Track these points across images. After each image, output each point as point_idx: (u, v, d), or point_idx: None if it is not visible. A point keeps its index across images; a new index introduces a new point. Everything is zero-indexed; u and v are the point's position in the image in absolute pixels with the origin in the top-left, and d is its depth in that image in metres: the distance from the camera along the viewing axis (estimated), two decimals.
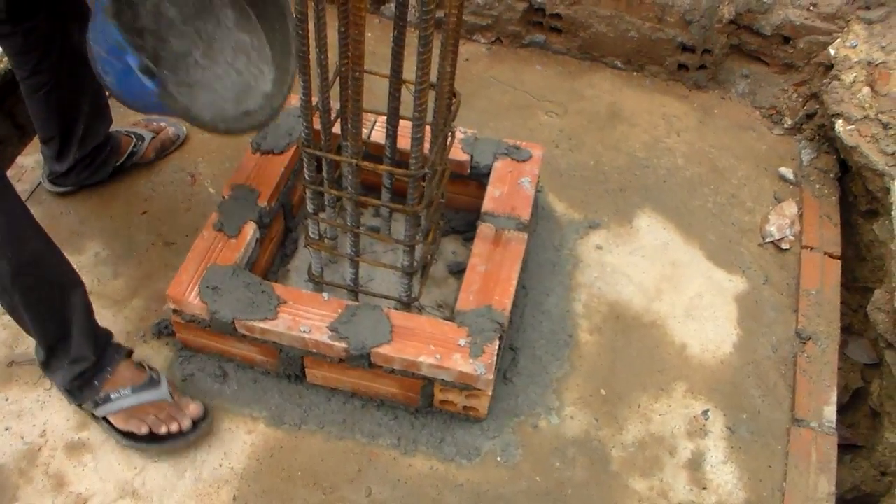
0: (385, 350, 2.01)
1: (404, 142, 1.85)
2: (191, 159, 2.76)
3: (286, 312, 2.07)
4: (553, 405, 2.27)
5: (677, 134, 3.01)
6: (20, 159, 2.70)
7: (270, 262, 2.42)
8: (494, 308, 2.10)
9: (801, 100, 3.04)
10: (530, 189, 2.38)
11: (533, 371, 2.32)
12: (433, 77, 1.71)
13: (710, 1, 2.90)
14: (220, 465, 2.11)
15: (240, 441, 2.15)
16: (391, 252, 2.43)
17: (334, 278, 2.29)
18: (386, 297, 2.22)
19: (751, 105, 3.14)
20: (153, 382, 2.11)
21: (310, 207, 2.05)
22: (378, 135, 2.39)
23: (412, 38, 1.60)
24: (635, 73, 3.23)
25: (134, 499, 2.04)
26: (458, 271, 2.43)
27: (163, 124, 2.75)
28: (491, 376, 2.01)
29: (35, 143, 2.67)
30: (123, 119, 2.76)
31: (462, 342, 2.03)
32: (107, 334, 2.12)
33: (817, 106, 2.91)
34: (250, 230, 2.21)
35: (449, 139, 2.05)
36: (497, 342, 2.04)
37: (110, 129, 2.56)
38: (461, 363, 2.00)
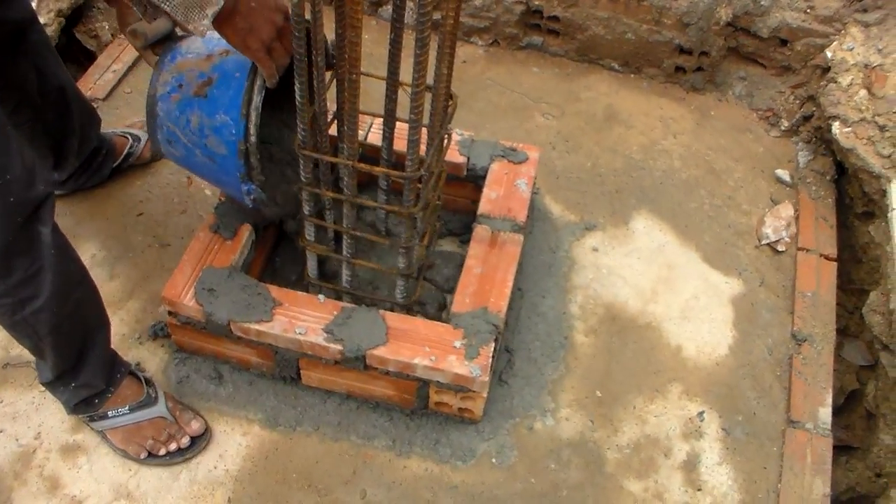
0: (380, 352, 2.01)
1: (401, 144, 1.85)
2: None
3: (282, 314, 2.07)
4: (548, 407, 2.27)
5: (674, 136, 3.01)
6: None
7: (266, 264, 2.42)
8: (490, 310, 2.10)
9: (797, 102, 3.04)
10: (526, 191, 2.38)
11: (528, 373, 2.32)
12: (430, 79, 1.71)
13: (707, 3, 2.90)
14: (216, 467, 2.11)
15: (235, 443, 2.15)
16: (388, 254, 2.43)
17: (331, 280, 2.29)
18: (382, 300, 2.22)
19: (748, 107, 3.14)
20: (151, 400, 2.11)
21: (306, 209, 2.05)
22: (375, 137, 2.39)
23: (409, 41, 1.60)
24: (632, 75, 3.23)
25: (129, 501, 2.05)
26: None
27: None
28: (486, 378, 2.01)
29: None
30: (119, 121, 2.76)
31: (457, 344, 2.03)
32: (114, 356, 2.12)
33: (814, 108, 2.91)
34: (246, 232, 2.21)
35: (445, 141, 2.05)
36: (492, 344, 2.05)
37: (105, 132, 2.56)
38: (456, 365, 2.00)
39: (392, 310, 2.16)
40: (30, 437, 2.13)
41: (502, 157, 2.45)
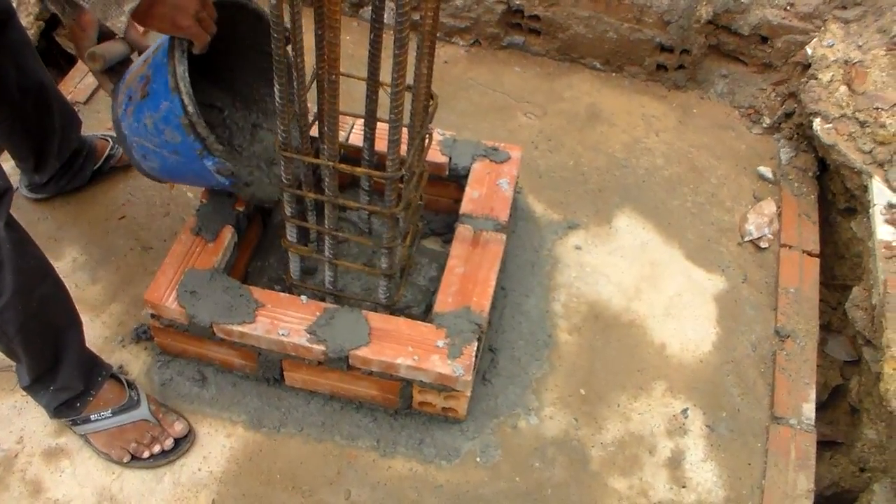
0: (363, 352, 2.01)
1: (382, 144, 1.85)
2: None
3: (264, 316, 2.06)
4: (532, 405, 2.27)
5: (656, 134, 3.01)
6: None
7: (248, 266, 2.41)
8: (473, 309, 2.11)
9: (779, 99, 3.05)
10: (509, 190, 2.38)
11: (512, 372, 2.32)
12: (410, 79, 1.71)
13: (687, 1, 2.91)
14: (199, 469, 2.10)
15: (219, 445, 2.14)
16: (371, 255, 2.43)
17: (312, 281, 2.29)
18: (365, 300, 2.22)
19: (729, 104, 3.15)
20: (133, 403, 2.11)
21: (287, 210, 2.05)
22: (356, 138, 2.39)
23: (390, 41, 1.60)
24: (614, 74, 3.23)
25: None
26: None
27: None
28: (469, 377, 2.01)
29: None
30: (100, 124, 2.75)
31: (440, 343, 2.03)
32: (93, 359, 2.11)
33: (795, 105, 2.92)
34: (228, 234, 2.21)
35: (427, 141, 2.05)
36: (475, 343, 2.05)
37: (86, 135, 2.55)
38: (439, 364, 2.00)
39: (375, 310, 2.16)
40: (12, 442, 2.12)
41: (484, 156, 2.46)
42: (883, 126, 2.52)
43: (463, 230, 2.28)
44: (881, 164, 2.52)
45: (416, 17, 2.04)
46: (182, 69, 1.79)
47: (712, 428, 2.27)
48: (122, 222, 2.57)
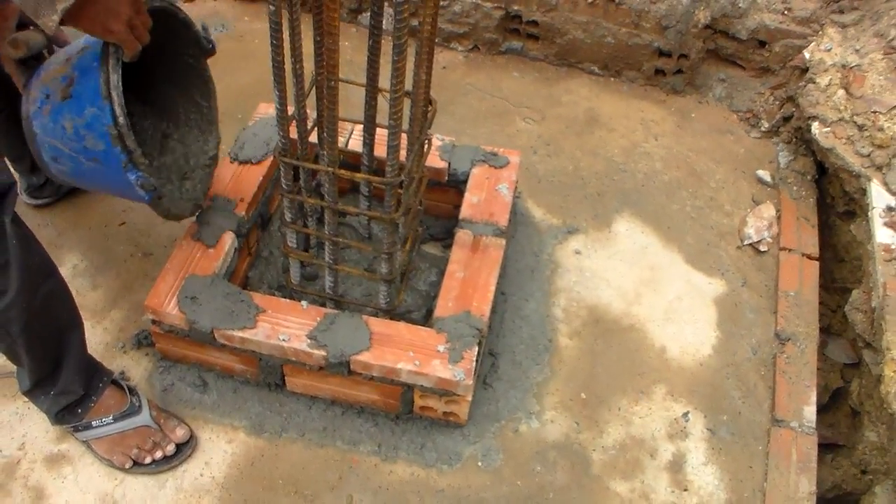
0: (364, 357, 2.01)
1: (381, 150, 1.86)
2: None
3: (265, 321, 2.07)
4: (533, 409, 2.27)
5: (655, 138, 3.02)
6: None
7: (248, 272, 2.42)
8: (473, 314, 2.11)
9: (777, 103, 3.06)
10: (508, 195, 2.39)
11: (513, 376, 2.32)
12: (409, 85, 1.71)
13: (685, 6, 2.92)
14: (201, 475, 2.10)
15: (220, 450, 2.15)
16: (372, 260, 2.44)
17: (312, 286, 2.29)
18: (365, 305, 2.23)
19: (728, 109, 3.16)
20: (135, 409, 2.11)
21: (287, 216, 2.05)
22: (355, 143, 2.39)
23: (389, 47, 1.60)
24: (612, 79, 3.24)
25: None
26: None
27: None
28: (470, 382, 2.01)
29: None
30: None
31: (441, 348, 2.04)
32: (94, 364, 2.11)
33: (793, 109, 2.93)
34: (228, 240, 2.21)
35: (426, 146, 2.06)
36: (476, 348, 2.05)
37: None
38: (440, 369, 2.00)
39: (375, 315, 2.16)
40: (13, 448, 2.12)
41: (483, 161, 2.46)
42: (881, 129, 2.53)
43: (463, 235, 2.29)
44: (879, 168, 2.52)
45: (414, 22, 2.05)
46: (116, 78, 1.75)
47: (713, 431, 2.27)
48: (123, 228, 2.58)
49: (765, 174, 2.90)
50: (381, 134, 1.90)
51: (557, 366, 2.36)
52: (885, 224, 2.41)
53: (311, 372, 2.11)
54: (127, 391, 2.12)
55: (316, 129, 1.90)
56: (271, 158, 2.41)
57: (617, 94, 3.19)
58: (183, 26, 2.00)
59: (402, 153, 1.84)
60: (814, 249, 2.66)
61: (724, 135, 3.07)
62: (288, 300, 2.14)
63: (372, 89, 1.93)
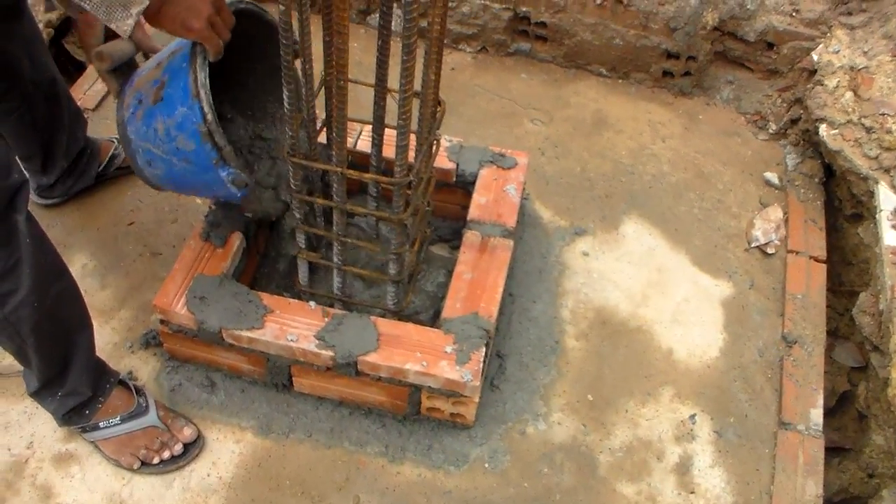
0: (372, 358, 2.02)
1: (390, 150, 1.86)
2: None
3: (273, 321, 2.07)
4: (540, 411, 2.27)
5: (663, 140, 3.02)
6: None
7: (256, 272, 2.42)
8: (481, 315, 2.11)
9: (785, 105, 3.06)
10: (516, 196, 2.39)
11: (520, 377, 2.32)
12: (417, 85, 1.71)
13: (693, 8, 2.92)
14: (209, 475, 2.11)
15: (228, 450, 2.15)
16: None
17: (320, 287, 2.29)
18: (373, 306, 2.23)
19: (735, 111, 3.16)
20: (142, 410, 2.11)
21: (297, 216, 2.05)
22: (364, 144, 2.40)
23: (398, 48, 1.61)
24: (620, 81, 3.24)
25: None
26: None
27: None
28: (477, 383, 2.01)
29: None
30: (109, 131, 2.76)
31: (448, 349, 2.04)
32: (101, 365, 2.11)
33: (801, 111, 2.93)
34: (237, 240, 2.22)
35: (434, 147, 2.06)
36: (483, 349, 2.05)
37: (89, 136, 2.56)
38: (448, 370, 2.00)
39: (383, 316, 2.16)
40: (22, 447, 2.13)
41: (491, 162, 2.46)
42: (889, 132, 2.53)
43: (471, 236, 2.29)
44: (887, 170, 2.52)
45: (423, 23, 2.04)
46: (203, 76, 1.78)
47: (720, 434, 2.27)
48: (131, 228, 2.58)
49: (772, 176, 2.90)
50: (390, 134, 1.90)
51: (565, 367, 2.36)
52: (893, 227, 2.40)
53: (318, 372, 2.11)
54: (134, 392, 2.13)
55: (325, 129, 1.90)
56: None
57: (625, 96, 3.19)
58: (271, 29, 2.00)
59: (411, 154, 1.84)
60: (821, 252, 2.66)
61: (731, 137, 3.06)
62: (296, 301, 2.14)
63: (381, 90, 1.93)
